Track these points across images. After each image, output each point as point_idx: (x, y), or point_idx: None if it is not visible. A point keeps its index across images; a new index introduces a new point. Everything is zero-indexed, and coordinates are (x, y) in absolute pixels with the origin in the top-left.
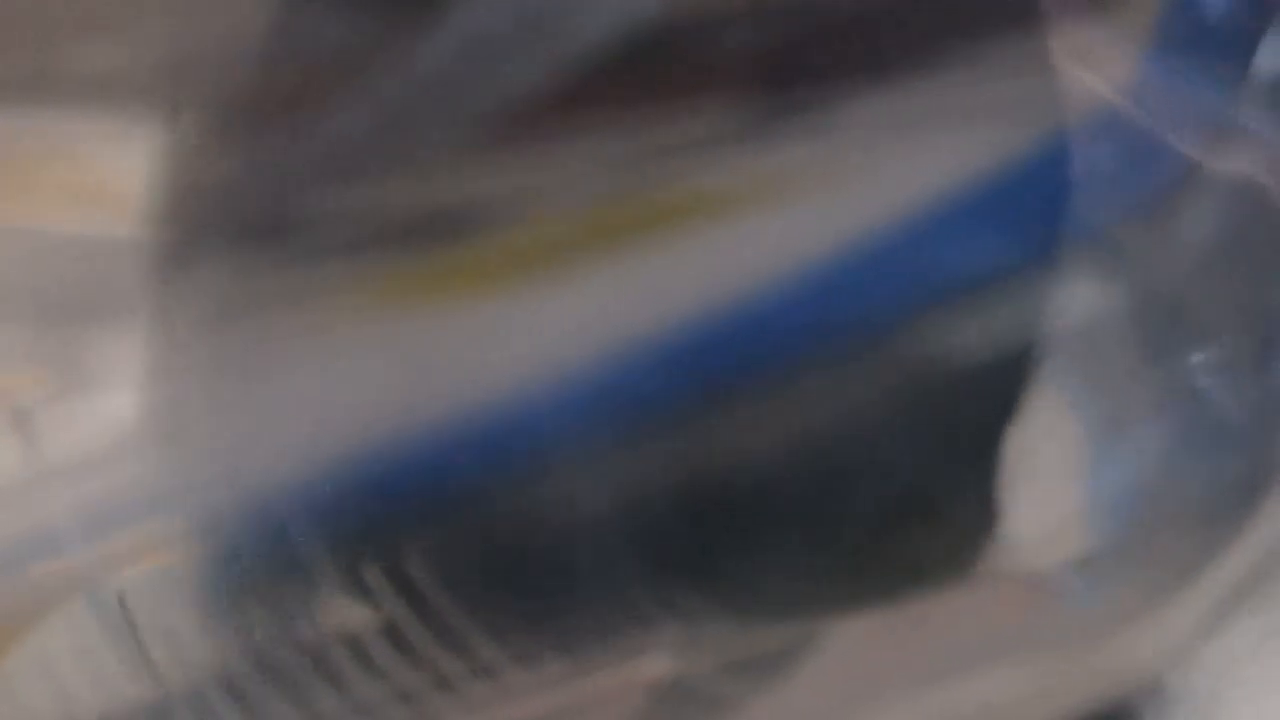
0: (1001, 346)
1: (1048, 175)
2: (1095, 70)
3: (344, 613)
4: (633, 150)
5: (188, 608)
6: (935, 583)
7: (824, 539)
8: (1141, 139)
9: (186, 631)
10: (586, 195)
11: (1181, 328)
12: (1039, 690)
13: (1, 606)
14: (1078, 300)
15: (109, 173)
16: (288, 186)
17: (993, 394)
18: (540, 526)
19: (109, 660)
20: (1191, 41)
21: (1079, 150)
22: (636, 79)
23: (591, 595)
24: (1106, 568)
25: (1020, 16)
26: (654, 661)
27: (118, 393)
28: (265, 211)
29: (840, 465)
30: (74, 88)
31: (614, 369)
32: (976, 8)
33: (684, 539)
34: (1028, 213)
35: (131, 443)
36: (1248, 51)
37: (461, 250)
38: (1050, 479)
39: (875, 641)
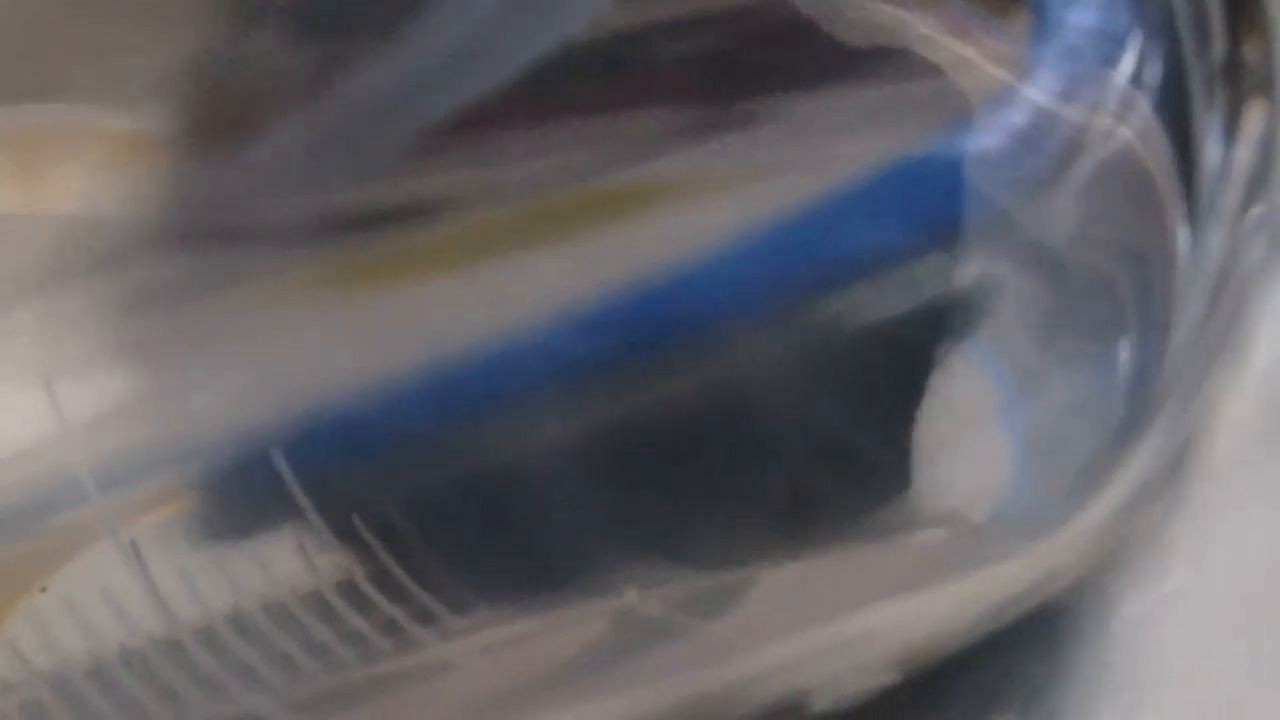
0: (908, 314)
1: (945, 162)
2: (988, 50)
3: (332, 553)
4: (573, 149)
5: (193, 551)
6: (857, 530)
7: (753, 490)
8: (1033, 113)
9: (193, 572)
10: (528, 189)
11: (1073, 284)
12: (958, 603)
13: (32, 550)
14: (984, 260)
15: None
16: (238, 194)
17: (901, 357)
18: (498, 477)
19: (128, 598)
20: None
21: (978, 130)
22: (576, 86)
23: (550, 539)
24: (1013, 500)
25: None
26: (614, 598)
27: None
28: (218, 216)
29: (765, 422)
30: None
31: (557, 333)
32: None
33: (627, 489)
34: (927, 195)
35: (137, 404)
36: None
37: (409, 240)
38: (969, 432)
39: (809, 577)
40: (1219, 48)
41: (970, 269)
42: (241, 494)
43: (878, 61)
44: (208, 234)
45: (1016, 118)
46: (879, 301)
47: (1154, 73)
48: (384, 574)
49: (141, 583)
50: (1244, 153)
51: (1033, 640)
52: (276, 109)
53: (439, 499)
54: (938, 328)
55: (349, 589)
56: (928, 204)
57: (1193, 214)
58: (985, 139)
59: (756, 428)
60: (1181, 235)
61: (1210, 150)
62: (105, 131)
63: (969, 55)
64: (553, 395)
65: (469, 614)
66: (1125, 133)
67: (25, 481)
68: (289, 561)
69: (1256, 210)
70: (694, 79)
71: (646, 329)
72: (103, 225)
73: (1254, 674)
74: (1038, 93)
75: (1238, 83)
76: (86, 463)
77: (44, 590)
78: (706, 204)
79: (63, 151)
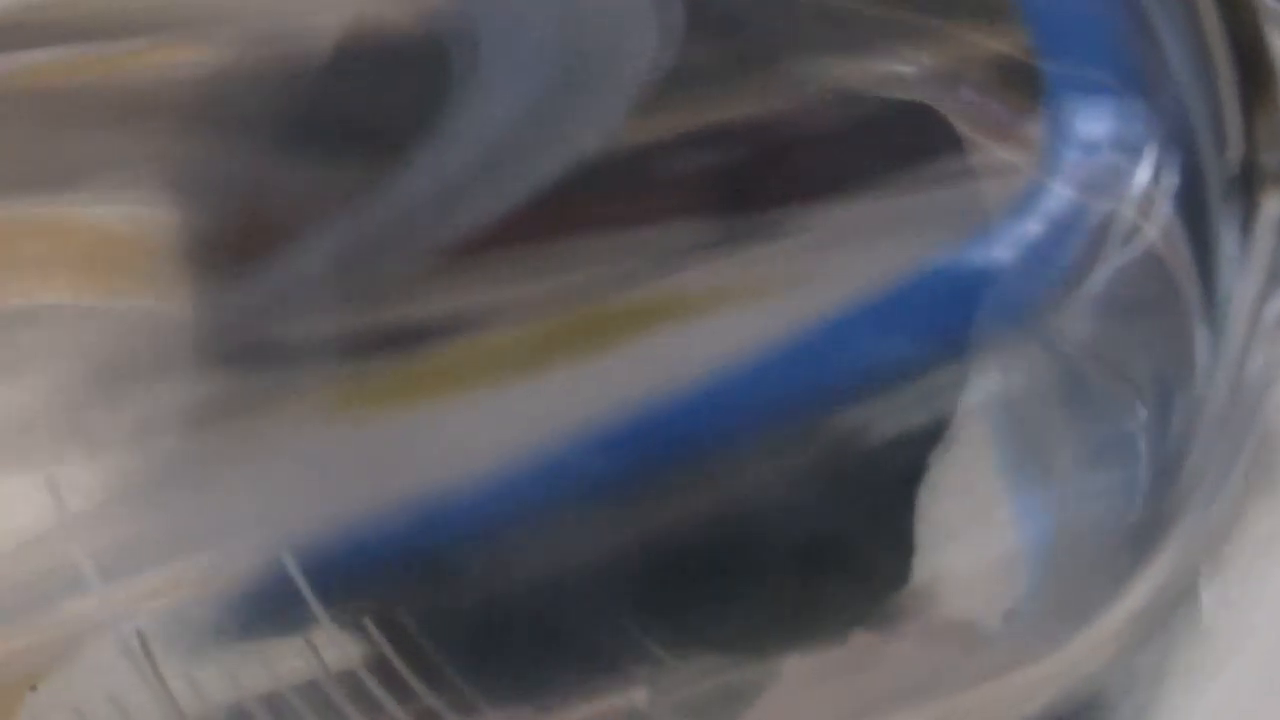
0: (912, 426)
1: (961, 273)
2: (1018, 150)
3: (342, 650)
4: (591, 265)
5: (203, 646)
6: (856, 624)
7: (759, 588)
8: (1062, 211)
9: (202, 668)
10: (546, 307)
11: (1093, 389)
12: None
13: (32, 642)
14: (1002, 369)
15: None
16: (258, 313)
17: (904, 466)
18: (513, 585)
19: (132, 696)
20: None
21: (996, 239)
22: (593, 202)
23: (562, 642)
24: (1028, 611)
25: (941, 135)
26: (626, 698)
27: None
28: (237, 335)
29: (770, 525)
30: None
31: (573, 451)
32: (906, 130)
33: (641, 592)
34: (944, 307)
35: (148, 494)
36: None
37: (428, 359)
38: (977, 534)
39: (816, 684)
40: (1235, 150)
41: (986, 380)
42: (251, 593)
43: (898, 171)
44: (230, 352)
45: (1033, 226)
46: (894, 415)
47: (1171, 177)
48: (391, 673)
49: (145, 677)
50: (1261, 250)
51: None
52: (296, 230)
53: (450, 604)
54: (936, 439)
55: (355, 686)
56: (944, 316)
57: (1211, 313)
58: (1002, 248)
59: (767, 534)
60: (1200, 334)
61: (1228, 249)
62: (117, 235)
63: (992, 154)
64: (569, 510)
65: (475, 716)
66: (1146, 235)
67: (29, 573)
68: (295, 659)
69: (1274, 305)
70: (715, 192)
71: (662, 446)
72: (122, 330)
73: None
74: (1055, 199)
75: (1254, 183)
76: (90, 553)
77: (34, 689)
78: (726, 318)
79: (88, 252)
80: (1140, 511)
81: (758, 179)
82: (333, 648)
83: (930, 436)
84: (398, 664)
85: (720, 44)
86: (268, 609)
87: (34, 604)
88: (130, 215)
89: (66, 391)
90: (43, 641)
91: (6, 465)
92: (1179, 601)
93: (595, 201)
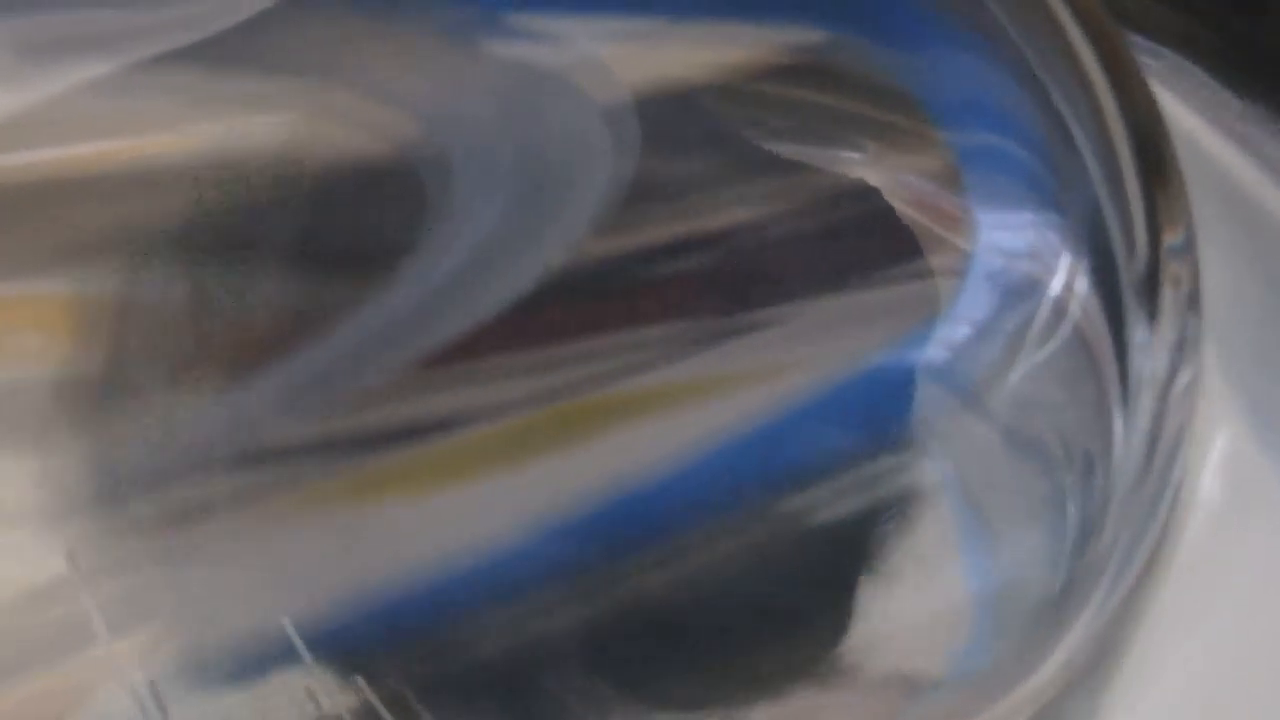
0: (857, 505)
1: (902, 366)
2: (954, 244)
3: (334, 701)
4: (559, 367)
5: (206, 698)
6: (796, 683)
7: (714, 650)
8: (994, 303)
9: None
10: (518, 407)
11: (1026, 459)
12: None
13: (43, 691)
14: (946, 445)
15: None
16: (252, 419)
17: (843, 540)
18: (491, 652)
19: None
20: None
21: (946, 319)
22: (560, 310)
23: (538, 705)
24: (968, 665)
25: (894, 234)
26: None
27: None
28: (240, 436)
29: (724, 595)
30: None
31: (547, 535)
32: (862, 230)
33: (610, 656)
34: (886, 399)
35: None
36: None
37: (411, 456)
38: (924, 591)
39: None
40: (1141, 242)
41: (933, 456)
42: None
43: (855, 270)
44: (227, 455)
45: (971, 316)
46: (837, 500)
47: (1085, 282)
48: None
49: None
50: (1167, 332)
51: None
52: (284, 342)
53: (434, 670)
54: (891, 516)
55: None
56: (885, 408)
57: (1125, 389)
58: (940, 342)
59: (721, 602)
60: (1116, 408)
61: (1137, 331)
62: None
63: (935, 247)
64: (543, 588)
65: None
66: (1070, 321)
67: (40, 624)
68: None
69: (1182, 378)
70: (677, 296)
71: (627, 529)
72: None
73: None
74: (987, 293)
75: (1158, 272)
76: (96, 606)
77: None
78: (685, 413)
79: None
80: (1066, 572)
81: (718, 283)
82: (326, 698)
83: (875, 515)
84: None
85: (675, 155)
86: (265, 669)
87: (45, 655)
88: (145, 314)
89: (78, 467)
90: (53, 691)
91: (19, 523)
92: (1097, 662)
93: (562, 310)
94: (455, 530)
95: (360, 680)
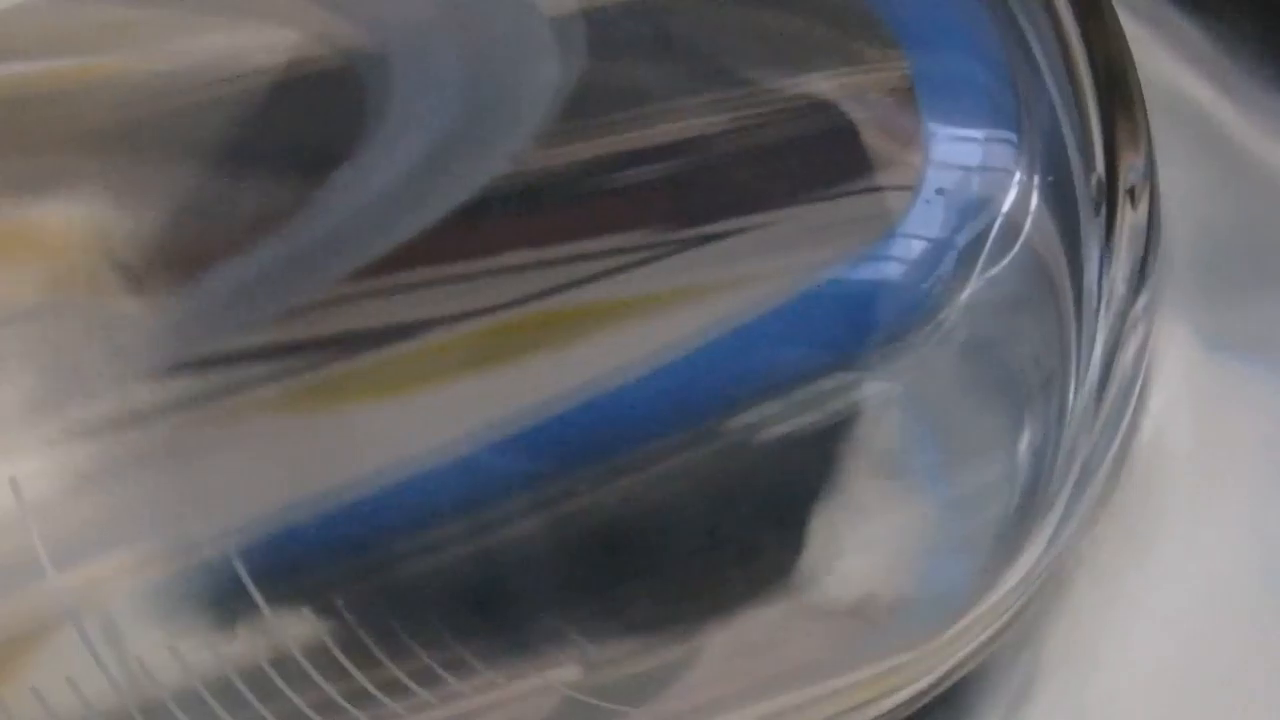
0: (810, 425)
1: (855, 283)
2: (910, 161)
3: (304, 625)
4: (503, 279)
5: (154, 630)
6: (758, 603)
7: (669, 572)
8: (948, 219)
9: (158, 649)
10: (463, 319)
11: (982, 380)
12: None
13: None
14: (899, 367)
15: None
16: (201, 320)
17: (796, 458)
18: (442, 574)
19: (89, 679)
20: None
21: (889, 249)
22: (502, 221)
23: (490, 626)
24: (920, 592)
25: (849, 148)
26: (565, 671)
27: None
28: (183, 342)
29: (677, 515)
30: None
31: (496, 448)
32: (816, 143)
33: (564, 578)
34: (837, 316)
35: (100, 485)
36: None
37: (359, 364)
38: (876, 518)
39: (728, 665)
40: (1098, 158)
41: (886, 377)
42: (197, 580)
43: (806, 184)
44: (176, 356)
45: (924, 233)
46: (792, 415)
47: (1040, 201)
48: (327, 656)
49: (100, 661)
50: (1125, 253)
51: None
52: (234, 245)
53: (382, 591)
54: (845, 434)
55: (295, 669)
56: (841, 324)
57: (1081, 308)
58: (893, 258)
59: (675, 523)
60: (1073, 327)
61: (1095, 251)
62: (68, 243)
63: (890, 164)
64: (493, 503)
65: (408, 696)
66: (1024, 237)
67: None
68: (240, 643)
69: (1140, 302)
70: (623, 210)
71: (577, 444)
72: (73, 331)
73: None
74: (941, 208)
75: (1115, 190)
76: (45, 541)
77: None
78: (635, 327)
79: (41, 257)
80: (1019, 497)
81: (667, 196)
82: (275, 632)
83: (828, 434)
84: (333, 647)
85: (623, 65)
86: (213, 596)
87: None
88: (80, 225)
89: (20, 388)
90: (2, 627)
91: None
92: (1050, 588)
93: (505, 221)
94: (398, 443)
95: (307, 609)
